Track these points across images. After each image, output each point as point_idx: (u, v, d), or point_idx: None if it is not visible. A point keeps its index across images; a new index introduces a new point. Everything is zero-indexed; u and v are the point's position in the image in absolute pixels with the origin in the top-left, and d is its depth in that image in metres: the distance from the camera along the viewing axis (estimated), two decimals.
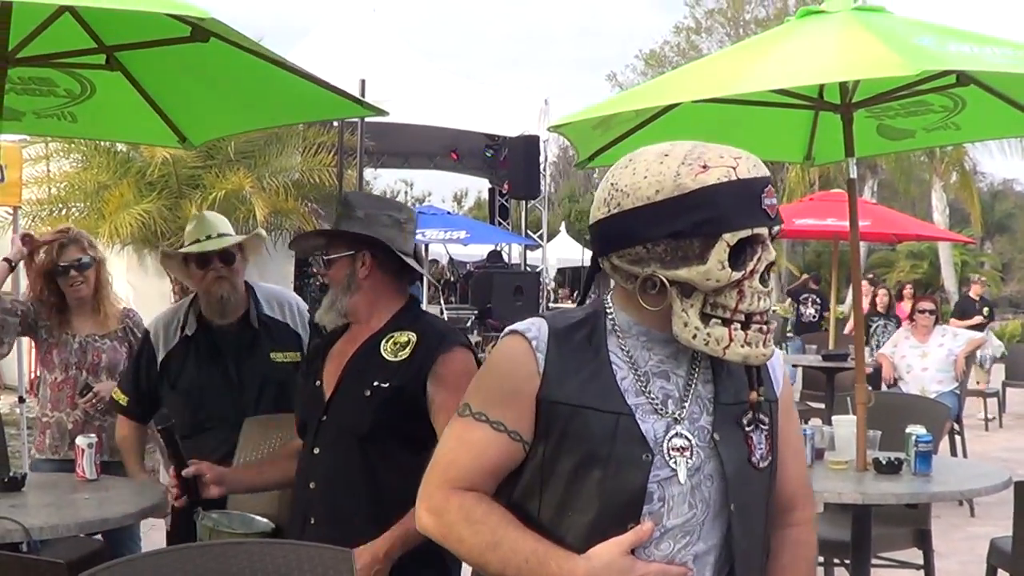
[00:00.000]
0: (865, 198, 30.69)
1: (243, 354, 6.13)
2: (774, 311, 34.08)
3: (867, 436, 6.46)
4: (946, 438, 13.01)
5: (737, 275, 2.88)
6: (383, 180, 64.32)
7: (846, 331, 17.95)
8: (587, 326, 3.09)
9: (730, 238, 2.87)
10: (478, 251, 32.58)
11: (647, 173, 2.94)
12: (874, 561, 7.11)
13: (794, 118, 7.40)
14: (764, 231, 2.90)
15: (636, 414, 2.96)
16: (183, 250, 6.22)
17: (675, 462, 2.95)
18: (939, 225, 40.54)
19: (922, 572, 7.55)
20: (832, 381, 14.47)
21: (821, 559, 7.71)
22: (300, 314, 6.30)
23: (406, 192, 71.74)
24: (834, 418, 6.74)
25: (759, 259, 2.91)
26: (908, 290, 20.14)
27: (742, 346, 2.91)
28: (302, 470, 4.81)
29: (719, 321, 2.91)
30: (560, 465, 3.00)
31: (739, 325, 2.91)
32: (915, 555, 7.60)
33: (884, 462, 6.29)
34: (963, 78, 6.28)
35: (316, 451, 4.72)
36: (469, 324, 21.97)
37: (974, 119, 7.08)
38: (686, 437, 2.98)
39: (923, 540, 7.50)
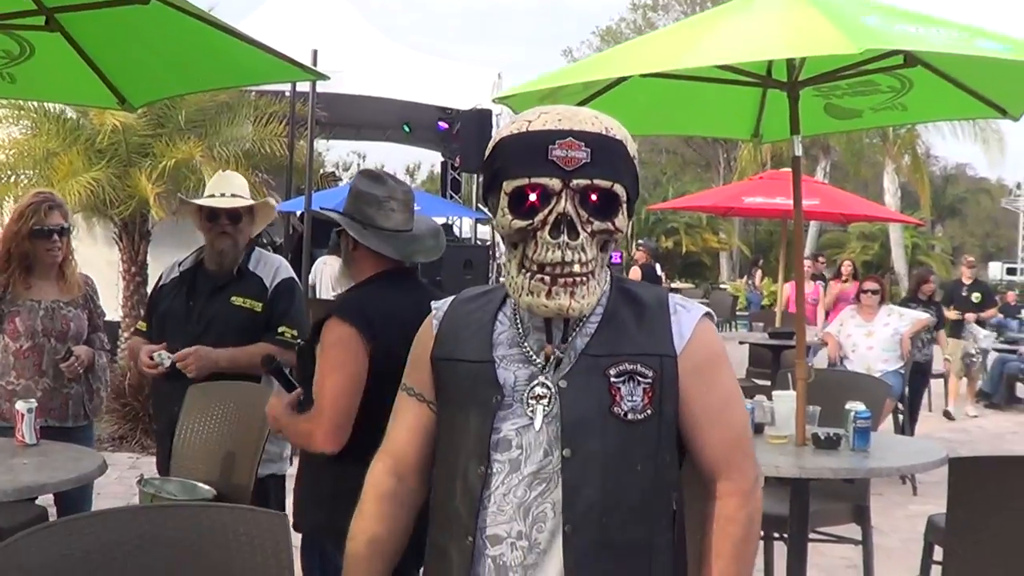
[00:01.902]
0: (817, 179, 30.79)
1: (211, 293, 6.70)
2: (723, 288, 34.03)
3: (807, 411, 6.50)
4: (890, 417, 13.09)
5: (521, 223, 3.03)
6: (336, 151, 63.98)
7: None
8: (492, 293, 3.36)
9: (506, 186, 3.04)
10: None
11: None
12: (813, 536, 7.16)
13: (742, 95, 7.42)
14: (550, 182, 2.98)
15: (500, 363, 3.16)
16: (197, 201, 6.82)
17: (533, 410, 3.09)
18: (890, 207, 40.64)
19: (861, 547, 7.59)
20: (778, 359, 14.55)
21: (760, 532, 7.75)
22: (275, 271, 6.80)
23: (359, 164, 71.37)
24: (774, 393, 6.78)
25: (550, 210, 2.99)
26: (847, 268, 20.02)
27: (527, 294, 3.05)
28: None
29: (524, 270, 3.06)
30: (442, 415, 3.26)
31: (530, 274, 3.04)
32: (855, 530, 7.64)
33: (823, 437, 6.33)
34: (910, 59, 6.32)
35: None
36: None
37: (921, 100, 7.11)
38: (546, 385, 3.10)
39: (862, 516, 7.53)
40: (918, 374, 14.58)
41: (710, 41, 5.73)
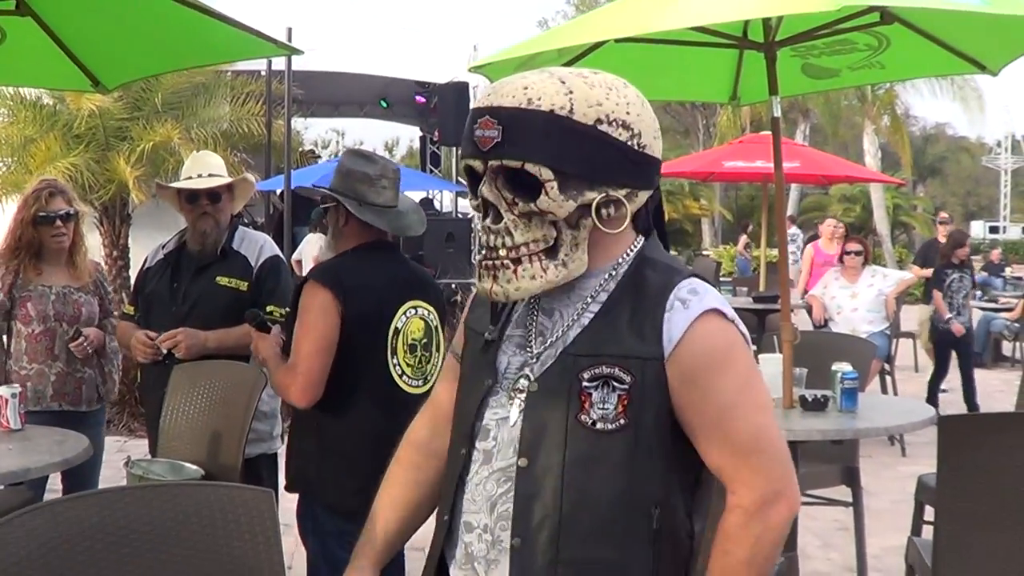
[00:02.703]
0: (797, 141, 30.72)
1: (195, 274, 6.68)
2: (706, 255, 33.82)
3: (793, 374, 6.49)
4: (877, 378, 13.09)
5: (474, 203, 2.93)
6: (314, 129, 63.93)
7: None
8: None
9: (462, 165, 2.91)
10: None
11: None
12: (803, 499, 7.15)
13: (719, 58, 7.41)
14: (475, 163, 2.85)
15: (505, 343, 3.03)
16: (175, 184, 6.81)
17: (512, 403, 2.95)
18: (871, 168, 40.61)
19: (851, 509, 7.59)
20: (763, 323, 14.55)
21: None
22: (260, 249, 6.79)
23: (337, 141, 71.26)
24: (760, 356, 6.76)
25: (478, 193, 2.88)
26: (838, 230, 19.63)
27: (478, 282, 2.95)
28: None
29: None
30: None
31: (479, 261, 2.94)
32: (844, 493, 7.65)
33: (810, 399, 6.32)
34: (887, 16, 6.29)
35: None
36: None
37: (899, 58, 7.09)
38: (528, 378, 2.94)
39: (851, 477, 7.54)
40: (962, 343, 14.47)
41: (685, 3, 5.70)
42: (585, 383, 2.84)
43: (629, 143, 2.85)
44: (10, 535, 3.14)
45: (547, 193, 2.79)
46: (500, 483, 2.93)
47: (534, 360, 2.95)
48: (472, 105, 2.95)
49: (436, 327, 5.62)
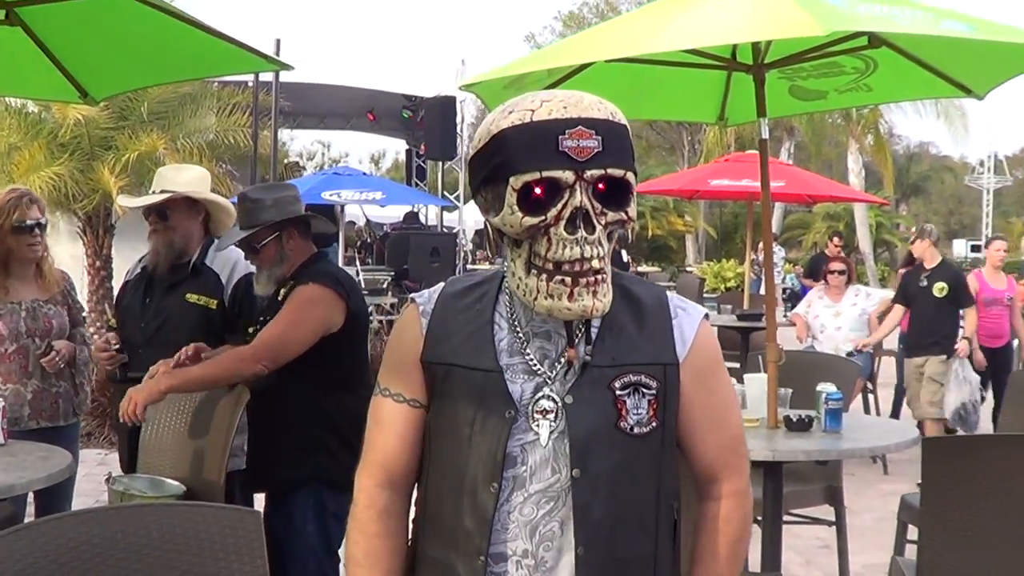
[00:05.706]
0: (782, 160, 30.74)
1: (166, 290, 6.62)
2: (689, 271, 33.67)
3: (778, 394, 6.50)
4: (859, 397, 13.10)
5: (533, 220, 2.82)
6: (299, 141, 63.88)
7: None
8: (483, 287, 3.12)
9: (514, 182, 2.81)
10: (395, 212, 32.50)
11: (483, 124, 2.97)
12: (787, 518, 7.17)
13: (707, 79, 7.42)
14: (563, 175, 2.78)
15: (506, 373, 2.96)
16: (123, 202, 7.10)
17: (538, 424, 2.93)
18: (855, 187, 40.74)
19: (834, 528, 7.60)
20: (747, 341, 14.56)
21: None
22: (232, 267, 6.66)
23: (323, 153, 71.22)
24: (745, 376, 6.76)
25: (564, 204, 2.80)
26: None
27: (545, 298, 2.85)
28: None
29: (536, 271, 2.87)
30: (437, 424, 3.06)
31: (546, 275, 2.85)
32: (828, 511, 7.66)
33: (795, 419, 6.34)
34: (874, 40, 6.33)
35: None
36: (385, 286, 21.84)
37: (885, 81, 7.11)
38: (552, 399, 2.94)
39: (835, 497, 7.55)
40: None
41: (676, 25, 5.69)
42: (618, 392, 2.94)
43: None
44: None
45: (633, 201, 2.90)
46: (540, 504, 2.93)
47: (552, 381, 2.96)
48: (509, 121, 2.82)
49: None
